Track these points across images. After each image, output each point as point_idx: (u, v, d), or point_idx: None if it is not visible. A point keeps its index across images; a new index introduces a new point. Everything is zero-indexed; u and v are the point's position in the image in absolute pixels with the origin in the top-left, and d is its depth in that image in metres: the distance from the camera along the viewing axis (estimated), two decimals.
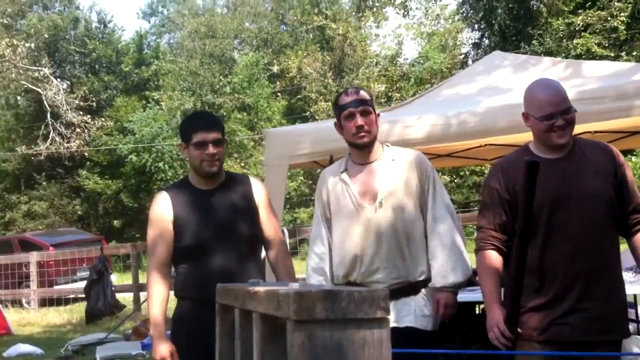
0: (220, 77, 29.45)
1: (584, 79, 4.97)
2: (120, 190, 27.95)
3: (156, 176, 26.36)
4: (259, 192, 3.30)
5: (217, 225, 3.14)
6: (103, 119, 27.15)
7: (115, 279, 13.68)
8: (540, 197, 2.65)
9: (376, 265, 3.08)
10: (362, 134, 3.06)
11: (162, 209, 3.15)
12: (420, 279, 3.12)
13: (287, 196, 26.47)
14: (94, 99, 26.80)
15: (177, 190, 3.24)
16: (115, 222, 28.27)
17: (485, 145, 6.04)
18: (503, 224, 2.76)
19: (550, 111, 2.68)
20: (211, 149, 3.07)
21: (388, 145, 3.26)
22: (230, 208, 3.20)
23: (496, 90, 5.09)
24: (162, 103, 28.69)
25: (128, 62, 31.61)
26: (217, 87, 28.88)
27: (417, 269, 3.11)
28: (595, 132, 6.00)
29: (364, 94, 3.12)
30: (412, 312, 3.08)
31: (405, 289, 3.09)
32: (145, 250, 19.02)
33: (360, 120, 3.04)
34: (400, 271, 3.08)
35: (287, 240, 9.30)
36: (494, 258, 2.78)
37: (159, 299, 3.13)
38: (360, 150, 3.14)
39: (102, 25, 34.12)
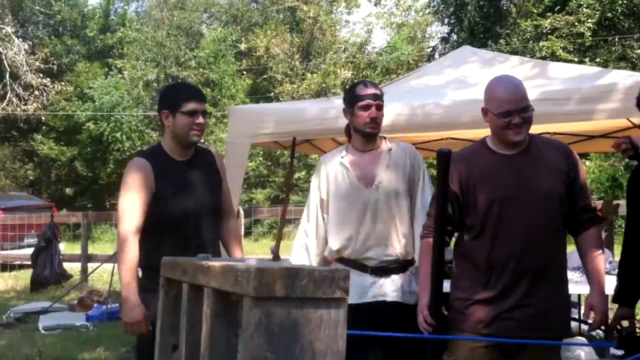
0: (187, 51, 29.06)
1: (549, 80, 5.03)
2: (75, 157, 27.38)
3: (113, 146, 25.92)
4: (221, 165, 3.50)
5: (196, 197, 3.26)
6: (63, 84, 26.60)
7: (64, 247, 13.42)
8: (492, 192, 2.72)
9: (370, 243, 3.28)
10: (374, 125, 3.31)
11: (143, 176, 3.17)
12: (409, 258, 3.32)
13: (245, 176, 26.21)
14: (55, 62, 26.23)
15: (156, 158, 3.26)
16: (68, 190, 27.73)
17: (447, 138, 6.08)
18: (448, 216, 2.78)
19: (509, 108, 2.72)
20: (201, 119, 3.22)
21: (385, 137, 3.49)
22: (205, 180, 3.34)
23: (463, 84, 5.12)
24: (124, 72, 28.19)
25: (93, 27, 30.91)
26: (182, 60, 28.50)
27: (407, 249, 3.29)
28: (555, 133, 6.10)
29: (379, 89, 3.40)
30: (399, 289, 3.26)
31: (395, 267, 3.29)
32: (97, 220, 18.87)
33: (374, 113, 3.29)
34: (391, 250, 3.28)
35: (242, 220, 9.30)
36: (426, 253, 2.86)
37: (133, 263, 3.15)
38: (366, 138, 3.37)
39: None
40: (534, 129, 4.99)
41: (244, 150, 5.21)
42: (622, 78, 4.55)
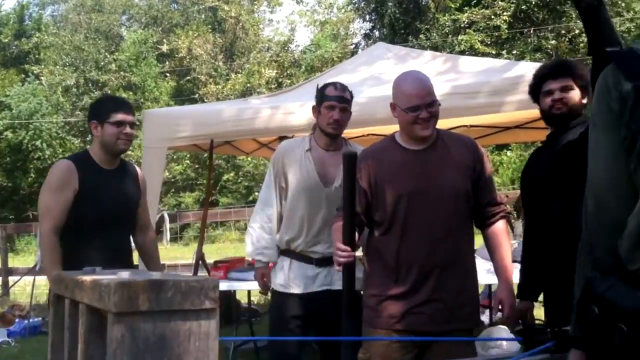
0: (106, 54, 28.44)
1: (460, 74, 5.12)
2: None
3: (33, 154, 25.19)
4: (142, 180, 3.65)
5: (117, 203, 3.38)
6: None
7: None
8: (400, 188, 2.75)
9: (320, 237, 3.41)
10: (336, 126, 3.43)
11: (67, 176, 3.28)
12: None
13: (172, 179, 26.01)
14: None
15: (81, 162, 3.37)
16: None
17: (368, 135, 6.13)
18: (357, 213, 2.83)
19: (416, 103, 2.76)
20: (128, 129, 3.36)
21: (346, 140, 3.65)
22: (126, 190, 3.49)
23: (378, 81, 5.15)
24: (42, 78, 27.39)
25: (7, 33, 29.98)
26: (102, 63, 27.88)
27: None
28: (471, 126, 6.22)
29: (348, 94, 3.52)
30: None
31: None
32: (19, 232, 18.27)
33: (337, 115, 3.41)
34: None
35: (168, 225, 9.18)
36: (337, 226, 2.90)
37: (58, 259, 3.23)
38: (329, 138, 3.48)
39: None
40: (448, 123, 5.13)
41: (160, 154, 5.12)
42: (529, 70, 4.66)
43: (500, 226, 2.94)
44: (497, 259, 2.94)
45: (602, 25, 1.70)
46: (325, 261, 3.37)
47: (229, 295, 6.68)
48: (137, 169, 3.69)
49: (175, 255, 13.58)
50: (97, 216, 3.29)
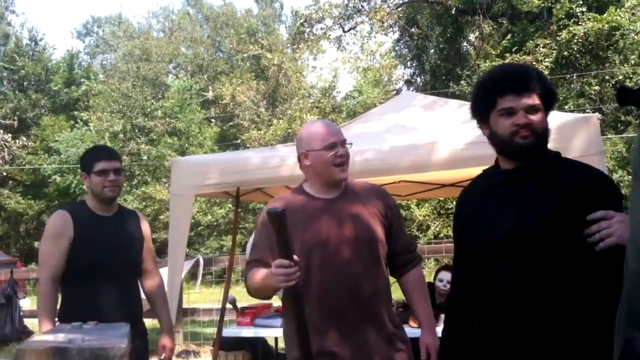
0: (153, 101, 29.10)
1: None
2: (43, 211, 27.17)
3: (81, 198, 25.66)
4: (145, 226, 3.68)
5: (115, 249, 3.39)
6: (25, 138, 26.47)
7: (29, 303, 13.17)
8: (314, 237, 2.69)
9: None
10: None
11: (63, 225, 3.34)
12: None
13: (215, 223, 26.24)
14: (15, 117, 26.12)
15: (77, 211, 3.46)
16: (37, 244, 27.33)
17: (400, 182, 6.12)
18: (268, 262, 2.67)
19: (332, 140, 2.75)
20: (112, 176, 3.42)
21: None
22: (125, 236, 3.50)
23: (403, 129, 5.17)
24: (90, 124, 28.12)
25: (58, 80, 30.95)
26: (149, 110, 28.51)
27: None
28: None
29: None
30: None
31: None
32: None
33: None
34: None
35: (201, 270, 9.20)
36: (259, 271, 2.71)
37: (52, 311, 3.28)
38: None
39: (32, 43, 33.34)
40: (473, 171, 5.08)
41: (187, 201, 5.19)
42: (562, 119, 4.62)
43: (415, 273, 2.90)
44: (416, 306, 2.89)
45: None
46: None
47: (257, 342, 6.64)
48: (139, 214, 3.74)
49: (215, 297, 13.60)
50: (96, 263, 3.33)
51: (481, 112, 2.32)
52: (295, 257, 2.46)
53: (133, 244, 3.54)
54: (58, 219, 3.39)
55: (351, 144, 2.84)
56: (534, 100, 2.21)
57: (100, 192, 3.43)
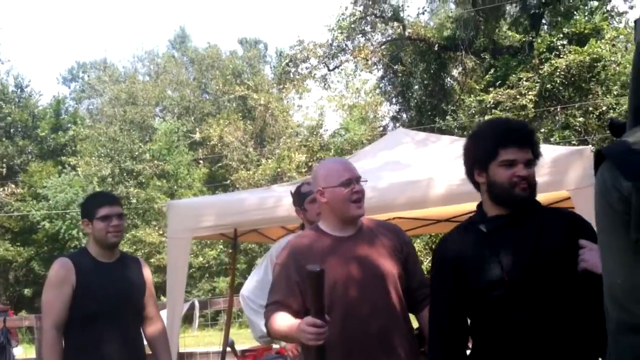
0: (140, 144, 29.14)
1: None
2: (32, 257, 26.96)
3: (70, 243, 25.57)
4: (147, 272, 3.70)
5: (117, 295, 3.42)
6: (13, 185, 26.38)
7: (22, 351, 13.03)
8: (333, 276, 2.69)
9: None
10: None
11: (65, 273, 3.35)
12: None
13: (207, 265, 26.12)
14: (4, 164, 26.07)
15: (79, 258, 3.47)
16: (26, 291, 27.17)
17: (395, 218, 6.14)
18: (289, 304, 2.73)
19: (349, 177, 2.79)
20: (115, 221, 3.45)
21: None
22: (128, 281, 3.52)
23: (397, 166, 5.21)
24: (78, 169, 28.10)
25: (45, 126, 30.96)
26: (137, 153, 28.54)
27: None
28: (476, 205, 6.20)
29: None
30: None
31: None
32: None
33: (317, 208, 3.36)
34: None
35: (197, 313, 9.14)
36: (283, 315, 2.73)
37: (59, 356, 3.28)
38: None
39: (18, 90, 33.37)
40: (468, 207, 5.12)
41: (185, 244, 5.18)
42: (551, 152, 4.68)
43: None
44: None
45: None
46: None
47: None
48: (141, 260, 3.76)
49: (211, 340, 13.49)
50: (99, 310, 3.34)
51: (481, 162, 2.41)
52: (327, 317, 2.46)
53: (135, 291, 3.56)
54: (60, 266, 3.39)
55: (366, 180, 2.89)
56: (530, 154, 2.37)
57: (104, 238, 3.44)
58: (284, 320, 2.69)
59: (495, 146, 2.34)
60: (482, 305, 2.38)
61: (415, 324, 2.98)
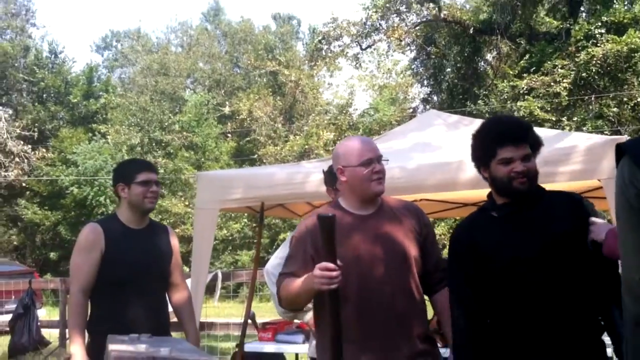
0: (170, 115, 29.28)
1: None
2: (59, 222, 27.27)
3: (97, 210, 25.84)
4: (175, 240, 3.72)
5: (147, 262, 3.44)
6: (44, 150, 26.68)
7: (45, 313, 13.27)
8: (351, 253, 2.70)
9: None
10: None
11: (94, 238, 3.38)
12: None
13: (230, 237, 26.26)
14: (35, 128, 26.36)
15: (109, 224, 3.49)
16: (52, 255, 27.54)
17: (421, 200, 6.12)
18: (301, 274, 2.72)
19: (369, 156, 2.78)
20: (154, 187, 3.49)
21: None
22: (156, 249, 3.55)
23: (428, 147, 5.18)
24: (108, 137, 28.33)
25: (77, 93, 31.20)
26: (166, 124, 28.69)
27: None
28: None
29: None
30: None
31: None
32: None
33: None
34: None
35: (220, 284, 9.20)
36: (294, 279, 2.75)
37: (82, 323, 3.33)
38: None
39: (52, 56, 33.65)
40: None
41: (212, 215, 5.22)
42: (583, 140, 4.63)
43: (448, 291, 2.86)
44: (447, 326, 2.85)
45: None
46: None
47: (277, 358, 6.64)
48: (169, 228, 3.79)
49: (231, 312, 13.63)
50: (127, 276, 3.37)
51: (482, 160, 2.70)
52: (338, 262, 2.48)
53: (163, 258, 3.58)
54: (90, 231, 3.42)
55: (387, 160, 2.87)
56: (527, 150, 2.62)
57: (141, 203, 3.47)
58: (295, 282, 2.71)
59: (494, 146, 2.61)
60: (498, 283, 2.61)
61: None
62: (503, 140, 2.60)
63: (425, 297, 2.96)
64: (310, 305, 2.98)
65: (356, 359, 2.66)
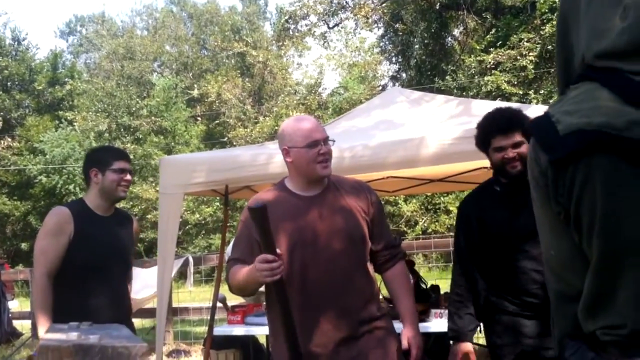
0: (138, 100, 28.97)
1: (473, 117, 5.10)
2: (29, 212, 26.98)
3: (67, 198, 25.55)
4: (136, 229, 3.76)
5: (111, 249, 3.45)
6: (10, 139, 26.30)
7: (17, 304, 13.12)
8: (296, 235, 2.68)
9: None
10: None
11: (63, 222, 3.35)
12: None
13: (203, 222, 26.18)
14: (0, 117, 25.97)
15: (77, 209, 3.45)
16: (24, 245, 27.21)
17: (388, 177, 6.12)
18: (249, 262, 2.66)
19: (316, 138, 2.74)
20: (128, 176, 3.53)
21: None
22: (121, 236, 3.57)
23: (391, 125, 5.18)
24: (75, 124, 27.97)
25: (42, 80, 30.73)
26: (134, 109, 28.39)
27: None
28: (488, 168, 6.19)
29: None
30: None
31: None
32: None
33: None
34: None
35: (192, 269, 9.19)
36: (240, 267, 2.71)
37: (48, 305, 3.27)
38: None
39: (15, 43, 33.03)
40: (460, 166, 5.12)
41: (177, 200, 5.16)
42: (542, 113, 4.65)
43: (398, 268, 2.91)
44: (399, 302, 2.89)
45: None
46: None
47: (248, 340, 6.65)
48: (133, 218, 3.79)
49: (205, 296, 13.61)
50: (93, 261, 3.36)
51: (482, 147, 3.15)
52: (278, 251, 2.45)
53: (126, 246, 3.59)
54: (59, 215, 3.39)
55: (333, 141, 2.83)
56: (518, 137, 2.98)
57: (114, 190, 3.49)
58: (241, 272, 2.67)
59: (488, 136, 3.08)
60: (500, 249, 3.03)
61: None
62: (494, 131, 3.05)
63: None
64: None
65: (306, 342, 2.63)
